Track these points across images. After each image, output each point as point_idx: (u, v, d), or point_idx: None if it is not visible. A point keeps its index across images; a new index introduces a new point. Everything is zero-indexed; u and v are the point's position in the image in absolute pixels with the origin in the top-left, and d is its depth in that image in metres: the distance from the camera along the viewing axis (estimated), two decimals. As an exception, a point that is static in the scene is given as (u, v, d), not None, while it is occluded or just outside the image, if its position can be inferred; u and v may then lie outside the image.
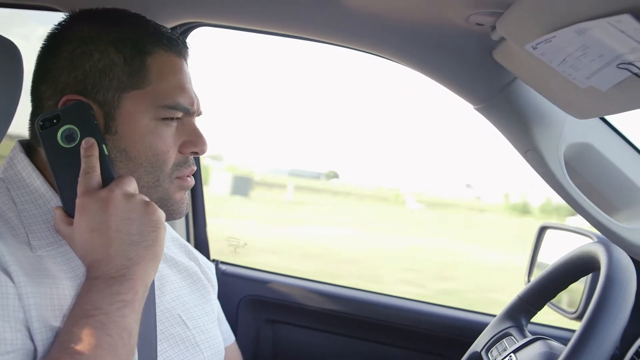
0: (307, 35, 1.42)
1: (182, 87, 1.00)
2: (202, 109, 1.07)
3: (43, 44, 1.01)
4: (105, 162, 0.93)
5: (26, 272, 0.84)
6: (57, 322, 0.83)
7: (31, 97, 1.01)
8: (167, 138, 0.99)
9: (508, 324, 1.27)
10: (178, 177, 1.02)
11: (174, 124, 1.00)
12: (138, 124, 0.96)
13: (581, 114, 1.16)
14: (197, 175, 1.92)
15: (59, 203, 0.95)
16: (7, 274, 0.81)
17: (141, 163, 0.97)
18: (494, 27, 1.11)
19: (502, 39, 1.13)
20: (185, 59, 1.05)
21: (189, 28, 1.60)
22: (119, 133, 0.96)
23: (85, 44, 0.96)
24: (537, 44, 0.94)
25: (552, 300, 1.30)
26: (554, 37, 0.89)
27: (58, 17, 1.04)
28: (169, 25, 1.50)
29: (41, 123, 0.93)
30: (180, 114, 1.00)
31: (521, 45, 0.97)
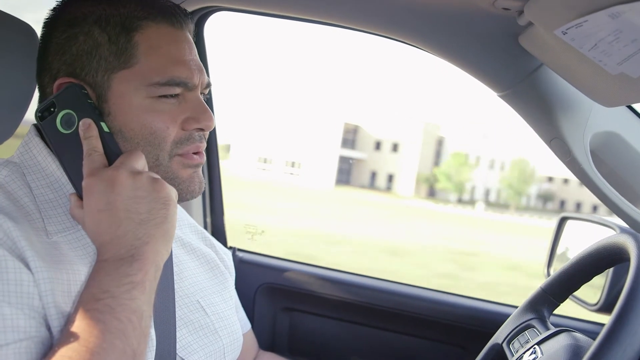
0: (328, 20, 1.40)
1: (177, 59, 0.96)
2: (208, 80, 1.02)
3: (40, 32, 1.00)
4: (107, 140, 0.90)
5: (42, 258, 0.82)
6: (71, 309, 0.82)
7: (37, 87, 1.00)
8: (165, 115, 0.95)
9: (530, 316, 1.25)
10: (179, 155, 0.97)
11: (173, 100, 0.96)
12: (131, 104, 0.93)
13: (609, 102, 1.14)
14: (214, 159, 1.91)
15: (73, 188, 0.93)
16: (23, 259, 0.80)
17: (138, 143, 0.94)
18: (521, 12, 1.08)
19: (529, 24, 1.11)
20: (184, 28, 1.00)
21: (208, 12, 1.59)
22: (112, 114, 0.94)
23: (71, 27, 0.94)
24: (567, 29, 0.91)
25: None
26: (586, 21, 0.87)
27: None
28: (188, 8, 1.49)
29: (40, 114, 0.92)
30: (177, 90, 0.96)
31: (550, 30, 0.95)
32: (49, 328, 0.80)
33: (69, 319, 0.79)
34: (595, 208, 59.45)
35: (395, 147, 61.01)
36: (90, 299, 0.78)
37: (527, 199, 61.85)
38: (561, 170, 68.25)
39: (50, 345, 0.78)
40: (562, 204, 67.23)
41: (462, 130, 64.02)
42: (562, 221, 1.76)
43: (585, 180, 1.29)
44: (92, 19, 0.94)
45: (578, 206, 65.73)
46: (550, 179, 69.55)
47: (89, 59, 0.93)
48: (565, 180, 68.65)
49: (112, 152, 0.90)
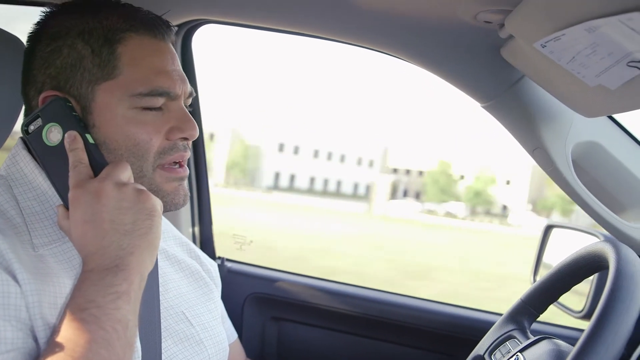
0: (316, 33, 1.41)
1: (160, 70, 0.97)
2: (191, 89, 1.03)
3: (25, 46, 1.01)
4: (92, 152, 0.91)
5: (29, 270, 0.83)
6: (56, 321, 0.83)
7: (23, 100, 1.01)
8: (148, 126, 0.96)
9: (511, 327, 1.27)
10: (160, 166, 0.98)
11: (156, 110, 0.97)
12: (114, 115, 0.94)
13: (589, 113, 1.16)
14: (202, 169, 1.92)
15: (60, 200, 0.94)
16: (10, 272, 0.81)
17: (122, 154, 0.95)
18: (502, 25, 1.10)
19: (511, 37, 1.13)
20: (166, 40, 1.01)
21: (196, 25, 1.60)
22: (97, 126, 0.95)
23: (54, 40, 0.95)
24: (546, 42, 0.93)
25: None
26: (564, 34, 0.88)
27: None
28: (176, 22, 1.50)
29: (25, 128, 0.93)
30: (161, 101, 0.97)
31: (530, 43, 0.97)
32: (35, 339, 0.80)
33: (54, 329, 0.79)
34: (417, 195, 63.72)
35: (211, 137, 62.78)
36: (75, 309, 0.79)
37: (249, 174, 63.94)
38: (406, 163, 71.18)
39: (36, 357, 0.78)
40: (405, 193, 70.08)
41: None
42: (548, 229, 1.78)
43: (568, 189, 1.31)
44: (75, 32, 0.95)
45: (417, 195, 68.63)
46: (394, 170, 72.06)
47: (73, 71, 0.94)
48: (407, 171, 71.56)
49: (98, 164, 0.91)
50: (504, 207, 63.85)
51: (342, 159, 68.53)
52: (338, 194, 65.88)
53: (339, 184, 68.52)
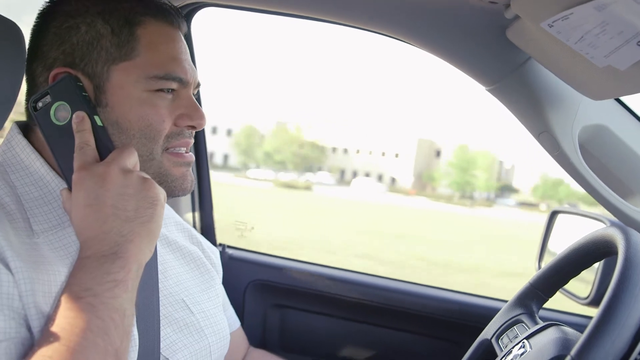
0: (317, 15, 1.39)
1: (174, 57, 0.98)
2: (199, 80, 1.05)
3: (34, 22, 0.99)
4: (99, 134, 0.90)
5: (22, 258, 0.82)
6: (51, 309, 0.81)
7: (25, 77, 1.00)
8: (162, 109, 0.96)
9: (519, 311, 1.25)
10: (168, 150, 0.99)
11: (169, 95, 0.98)
12: (129, 96, 0.94)
13: (597, 95, 1.13)
14: (203, 157, 1.91)
15: (60, 184, 0.93)
16: (3, 260, 0.79)
17: (134, 135, 0.95)
18: (508, 5, 1.08)
19: (516, 17, 1.10)
20: (179, 29, 1.02)
21: (194, 8, 1.58)
22: (110, 105, 0.94)
23: (72, 17, 0.94)
24: (553, 22, 0.91)
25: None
26: (572, 13, 0.86)
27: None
28: (175, 4, 1.47)
29: (33, 104, 0.92)
30: (174, 85, 0.98)
31: (537, 23, 0.94)
32: (29, 328, 0.79)
33: (49, 318, 0.78)
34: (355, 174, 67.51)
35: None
36: (71, 297, 0.77)
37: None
38: (345, 142, 73.50)
39: (30, 346, 0.77)
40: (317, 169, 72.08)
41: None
42: (553, 215, 1.76)
43: (574, 174, 1.29)
44: (95, 11, 0.95)
45: (354, 174, 71.30)
46: (334, 150, 74.40)
47: (90, 49, 0.94)
48: (345, 150, 74.04)
49: (105, 147, 0.90)
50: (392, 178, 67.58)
51: (214, 131, 71.22)
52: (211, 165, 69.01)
53: (211, 156, 70.92)
